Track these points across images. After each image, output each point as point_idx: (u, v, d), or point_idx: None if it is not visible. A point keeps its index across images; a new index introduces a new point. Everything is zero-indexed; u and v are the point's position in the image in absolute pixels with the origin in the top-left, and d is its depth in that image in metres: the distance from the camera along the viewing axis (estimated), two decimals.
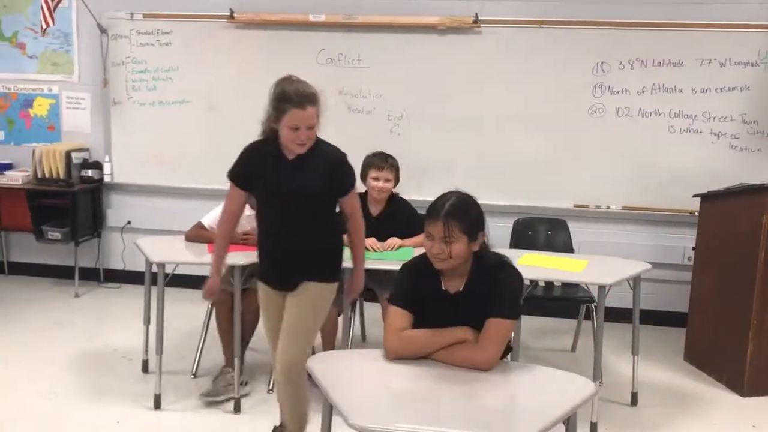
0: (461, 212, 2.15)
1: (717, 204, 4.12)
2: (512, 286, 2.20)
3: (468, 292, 2.20)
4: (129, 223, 5.47)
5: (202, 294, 2.90)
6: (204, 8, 5.10)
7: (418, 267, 2.27)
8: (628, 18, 4.70)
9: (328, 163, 2.74)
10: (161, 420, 3.28)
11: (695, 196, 4.24)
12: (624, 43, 4.72)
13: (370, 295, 3.74)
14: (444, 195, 2.22)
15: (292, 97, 2.58)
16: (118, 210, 5.52)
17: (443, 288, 2.22)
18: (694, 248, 4.36)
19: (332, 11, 4.94)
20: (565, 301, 4.24)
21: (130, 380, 3.70)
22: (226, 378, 3.45)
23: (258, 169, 2.75)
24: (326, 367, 2.08)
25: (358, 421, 1.71)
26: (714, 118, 4.73)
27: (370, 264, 3.23)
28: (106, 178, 5.39)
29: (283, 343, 2.72)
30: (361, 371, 2.09)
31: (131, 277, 5.38)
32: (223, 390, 3.43)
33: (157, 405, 3.37)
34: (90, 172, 5.30)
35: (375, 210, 3.82)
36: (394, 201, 3.85)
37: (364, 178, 3.77)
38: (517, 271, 2.24)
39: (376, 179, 3.74)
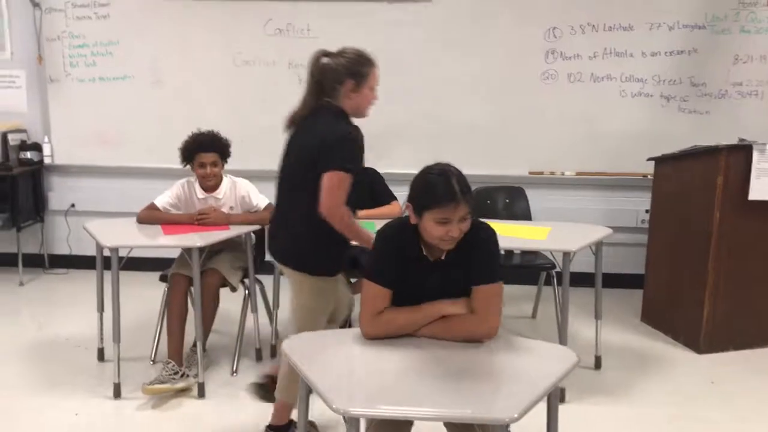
0: (468, 185, 2.05)
1: (671, 166, 4.17)
2: (493, 248, 2.13)
3: (450, 260, 2.12)
4: (73, 206, 5.27)
5: None
6: None
7: (397, 234, 2.14)
8: None
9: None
10: (122, 409, 3.17)
11: (650, 159, 4.28)
12: (575, 8, 4.72)
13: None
14: (441, 174, 2.05)
15: (371, 58, 2.59)
16: (60, 193, 5.30)
17: (424, 254, 2.13)
18: (647, 211, 4.42)
19: None
20: (526, 269, 4.25)
21: (86, 370, 3.56)
22: (169, 368, 3.25)
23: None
24: (303, 349, 2.00)
25: (342, 405, 1.65)
26: (664, 81, 4.79)
27: None
28: (47, 160, 5.17)
29: None
30: (339, 352, 2.01)
31: (78, 262, 5.19)
32: (168, 379, 3.21)
33: (117, 394, 3.25)
34: (29, 154, 5.08)
35: None
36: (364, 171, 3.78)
37: None
38: (492, 230, 2.16)
39: None
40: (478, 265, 2.08)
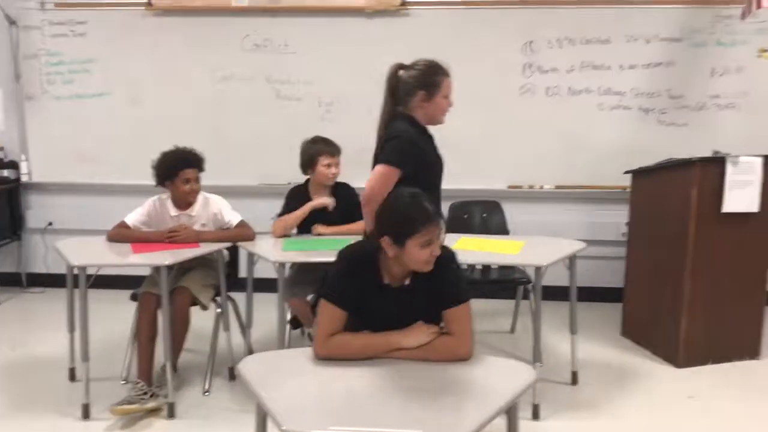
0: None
1: (648, 179, 4.16)
2: (457, 269, 2.14)
3: (413, 287, 2.11)
4: (50, 224, 5.23)
5: None
6: None
7: (359, 258, 2.13)
8: None
9: None
10: (90, 430, 3.12)
11: (626, 172, 4.27)
12: (552, 21, 4.73)
13: None
14: (411, 198, 2.08)
15: (443, 67, 2.82)
16: (38, 211, 5.26)
17: (385, 282, 2.12)
18: (627, 224, 4.40)
19: None
20: (502, 283, 4.23)
21: (56, 390, 3.51)
22: (138, 388, 3.19)
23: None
24: (257, 369, 1.98)
25: (292, 426, 1.62)
26: (642, 94, 4.79)
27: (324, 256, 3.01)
28: (24, 178, 5.14)
29: None
30: (294, 372, 1.99)
31: (56, 281, 5.12)
32: (137, 399, 3.15)
33: (86, 415, 3.19)
34: (6, 172, 5.06)
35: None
36: (338, 187, 3.76)
37: (313, 165, 3.66)
38: (451, 250, 2.17)
39: (329, 166, 3.64)
40: (445, 288, 2.08)
